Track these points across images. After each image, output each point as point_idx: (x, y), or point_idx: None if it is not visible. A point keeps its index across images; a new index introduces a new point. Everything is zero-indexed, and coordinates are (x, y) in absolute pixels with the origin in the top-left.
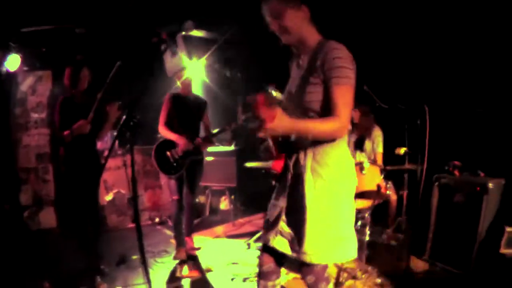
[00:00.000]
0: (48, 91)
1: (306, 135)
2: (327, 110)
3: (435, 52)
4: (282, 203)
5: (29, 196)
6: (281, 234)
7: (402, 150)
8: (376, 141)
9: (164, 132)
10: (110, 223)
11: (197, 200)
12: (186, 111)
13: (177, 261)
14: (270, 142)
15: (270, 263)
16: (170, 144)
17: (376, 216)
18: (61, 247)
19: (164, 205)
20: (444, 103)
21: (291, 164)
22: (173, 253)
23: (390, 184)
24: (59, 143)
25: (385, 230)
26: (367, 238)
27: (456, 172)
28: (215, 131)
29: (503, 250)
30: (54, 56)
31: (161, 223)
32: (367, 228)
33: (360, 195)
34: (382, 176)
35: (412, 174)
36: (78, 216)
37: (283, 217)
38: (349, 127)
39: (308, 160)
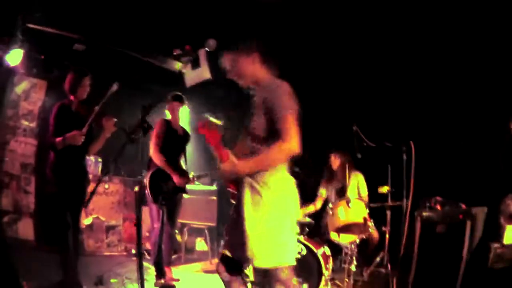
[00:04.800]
0: (41, 101)
1: (267, 167)
2: (273, 137)
3: (415, 88)
4: (233, 216)
5: (9, 202)
6: (231, 242)
7: (384, 189)
8: (360, 185)
9: (161, 162)
10: (87, 247)
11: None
12: (174, 141)
13: None
14: None
15: (223, 272)
16: (164, 174)
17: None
18: (37, 260)
19: (142, 238)
20: (425, 137)
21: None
22: (153, 281)
23: (371, 223)
24: (50, 148)
25: (364, 268)
26: (353, 268)
27: (438, 207)
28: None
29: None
30: (52, 66)
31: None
32: (354, 257)
33: (347, 228)
34: (368, 210)
35: (394, 211)
36: (60, 228)
37: (231, 227)
38: (298, 151)
39: (247, 179)
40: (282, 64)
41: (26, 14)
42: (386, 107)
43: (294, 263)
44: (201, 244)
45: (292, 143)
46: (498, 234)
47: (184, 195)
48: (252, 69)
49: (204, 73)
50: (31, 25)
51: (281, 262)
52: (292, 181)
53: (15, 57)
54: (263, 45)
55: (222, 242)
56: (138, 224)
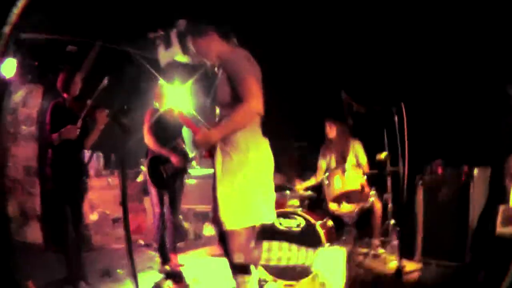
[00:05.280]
0: (38, 106)
1: (235, 130)
2: (238, 101)
3: (406, 46)
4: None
5: (15, 207)
6: (212, 208)
7: (382, 155)
8: (359, 154)
9: (154, 145)
10: (95, 242)
11: (180, 219)
12: (165, 126)
13: (161, 275)
14: None
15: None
16: (162, 158)
17: (362, 227)
18: (45, 261)
19: (148, 229)
20: (419, 97)
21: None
22: (157, 268)
23: (373, 191)
24: (48, 145)
25: (371, 240)
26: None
27: (439, 170)
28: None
29: (500, 229)
30: (46, 71)
31: (146, 245)
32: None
33: (344, 197)
34: (365, 177)
35: (395, 177)
36: (59, 221)
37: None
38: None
39: (219, 144)
40: (264, 36)
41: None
42: (376, 68)
43: (267, 221)
44: (208, 229)
45: (254, 104)
46: (503, 196)
47: (187, 181)
48: (212, 47)
49: (175, 51)
50: (23, 35)
51: (249, 223)
52: (265, 143)
53: (9, 67)
54: (214, 21)
55: None
56: (124, 203)
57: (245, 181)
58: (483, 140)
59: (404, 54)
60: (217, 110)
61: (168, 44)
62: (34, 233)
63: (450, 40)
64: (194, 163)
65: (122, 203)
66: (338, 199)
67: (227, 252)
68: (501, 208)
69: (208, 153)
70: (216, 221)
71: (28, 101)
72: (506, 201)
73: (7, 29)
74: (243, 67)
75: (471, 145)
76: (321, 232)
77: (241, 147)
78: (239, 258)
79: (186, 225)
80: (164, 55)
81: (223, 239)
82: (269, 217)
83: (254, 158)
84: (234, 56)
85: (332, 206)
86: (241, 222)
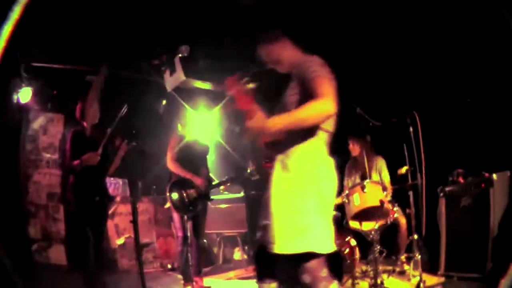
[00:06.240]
0: (60, 134)
1: (298, 124)
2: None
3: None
4: (264, 196)
5: (38, 231)
6: (260, 223)
7: (403, 169)
8: (383, 171)
9: (176, 169)
10: (121, 266)
11: (205, 244)
12: (190, 154)
13: None
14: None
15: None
16: (184, 183)
17: (388, 244)
18: (69, 282)
19: (176, 253)
20: (433, 105)
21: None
22: None
23: (397, 207)
24: (69, 172)
25: (398, 257)
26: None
27: (461, 179)
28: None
29: None
30: (66, 100)
31: (173, 269)
32: (376, 245)
33: (364, 214)
34: (385, 193)
35: (416, 191)
36: (83, 245)
37: (262, 208)
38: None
39: (279, 156)
40: None
41: (25, 53)
42: (389, 81)
43: (322, 251)
44: (238, 254)
45: (325, 101)
46: None
47: (220, 205)
48: (285, 54)
49: (179, 76)
50: (35, 64)
51: (303, 249)
52: (330, 163)
53: (24, 95)
54: (288, 28)
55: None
56: (134, 221)
57: (302, 201)
58: (501, 145)
59: (419, 66)
60: None
61: (173, 70)
62: (57, 255)
63: (461, 48)
64: (222, 188)
65: (133, 221)
66: (358, 217)
67: (260, 276)
68: None
69: (267, 164)
70: (265, 240)
71: (49, 129)
72: None
73: None
74: (319, 69)
75: (489, 151)
76: (342, 251)
77: (301, 162)
78: (306, 279)
79: (214, 250)
80: (170, 81)
81: (261, 260)
82: (326, 247)
83: (316, 177)
84: (309, 59)
85: (353, 224)
86: (291, 246)
